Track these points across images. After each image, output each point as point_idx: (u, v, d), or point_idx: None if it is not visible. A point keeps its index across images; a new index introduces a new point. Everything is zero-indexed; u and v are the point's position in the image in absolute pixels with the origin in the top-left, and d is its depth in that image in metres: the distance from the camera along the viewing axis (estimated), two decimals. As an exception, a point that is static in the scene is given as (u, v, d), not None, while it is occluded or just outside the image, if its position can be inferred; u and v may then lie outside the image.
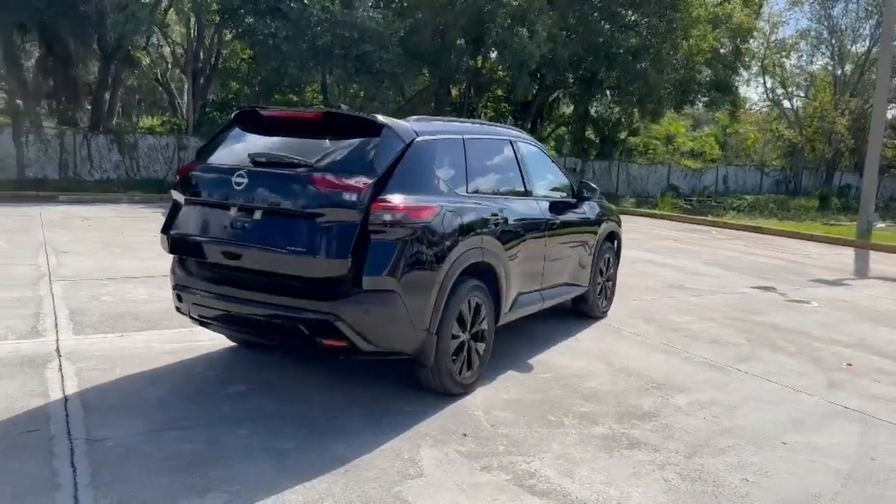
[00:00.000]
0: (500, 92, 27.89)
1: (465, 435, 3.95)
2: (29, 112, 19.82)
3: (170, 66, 26.40)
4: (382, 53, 18.73)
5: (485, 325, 4.73)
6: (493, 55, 23.13)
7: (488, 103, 28.60)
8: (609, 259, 6.94)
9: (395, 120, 4.32)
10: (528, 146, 5.74)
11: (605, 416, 4.35)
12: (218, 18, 21.07)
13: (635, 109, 26.45)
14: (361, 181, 3.87)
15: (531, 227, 5.30)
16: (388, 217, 3.90)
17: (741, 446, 4.03)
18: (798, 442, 4.14)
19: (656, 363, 5.54)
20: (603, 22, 24.46)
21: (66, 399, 4.11)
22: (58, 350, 4.99)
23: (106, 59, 21.31)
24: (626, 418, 4.35)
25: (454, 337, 4.40)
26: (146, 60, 23.78)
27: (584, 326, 6.52)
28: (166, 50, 26.05)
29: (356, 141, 4.11)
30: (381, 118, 4.21)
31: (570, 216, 5.99)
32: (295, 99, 25.19)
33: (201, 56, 23.47)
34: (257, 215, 4.02)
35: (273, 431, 3.84)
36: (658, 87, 24.08)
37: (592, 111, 30.48)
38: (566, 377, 5.06)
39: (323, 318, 3.86)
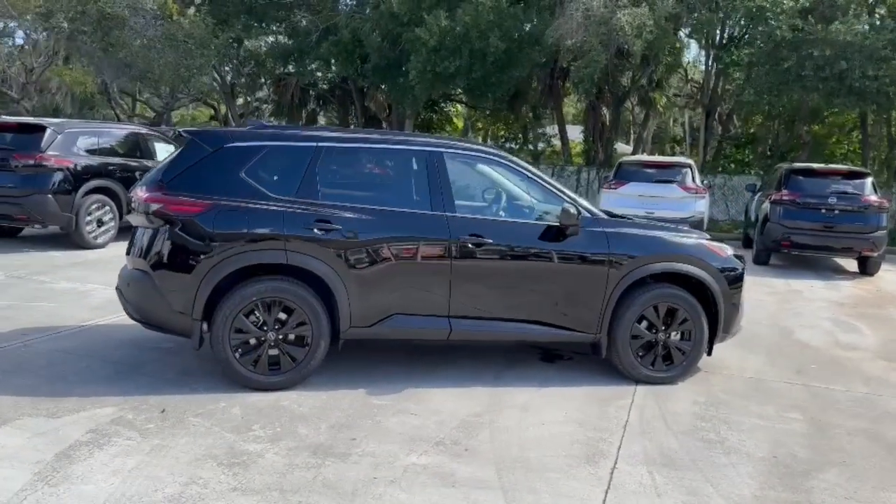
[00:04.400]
0: None
1: (163, 411, 4.38)
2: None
3: (684, 104, 26.86)
4: (870, 68, 15.57)
5: (306, 331, 4.78)
6: None
7: None
8: (675, 311, 5.30)
9: (209, 129, 5.00)
10: (468, 163, 5.23)
11: (309, 440, 4.05)
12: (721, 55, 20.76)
13: None
14: (149, 188, 4.75)
15: (416, 243, 4.90)
16: (153, 208, 4.67)
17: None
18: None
19: (516, 434, 4.36)
20: None
21: (79, 326, 6.08)
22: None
23: (618, 102, 23.33)
24: (314, 450, 3.94)
25: (240, 331, 4.70)
26: (662, 101, 24.82)
27: (582, 382, 5.29)
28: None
29: (178, 152, 4.93)
30: (195, 130, 4.93)
31: (531, 242, 5.07)
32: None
33: (717, 91, 23.31)
34: None
35: (93, 373, 4.97)
36: None
37: None
38: (381, 408, 4.60)
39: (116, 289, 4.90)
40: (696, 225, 11.87)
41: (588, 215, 5.24)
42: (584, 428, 4.47)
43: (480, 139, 37.44)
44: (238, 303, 4.68)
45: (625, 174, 12.62)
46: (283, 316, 4.79)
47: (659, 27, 17.14)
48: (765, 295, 9.34)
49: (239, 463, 3.74)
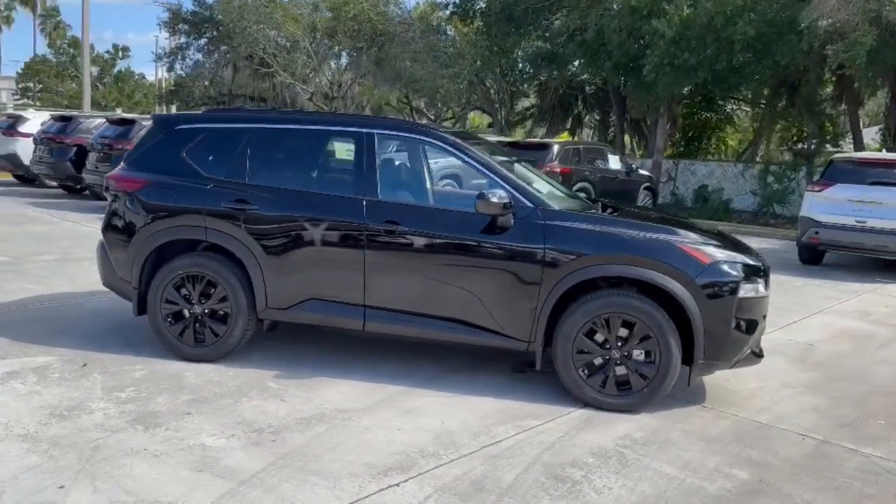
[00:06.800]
0: None
1: (84, 365, 4.83)
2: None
3: None
4: None
5: (228, 308, 4.89)
6: None
7: None
8: (635, 325, 4.32)
9: (167, 114, 5.30)
10: (402, 145, 4.83)
11: (150, 408, 4.17)
12: None
13: None
14: (116, 167, 5.29)
15: (327, 227, 4.71)
16: (111, 184, 5.19)
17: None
18: None
19: (352, 434, 3.93)
20: None
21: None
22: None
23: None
24: (136, 417, 4.06)
25: (169, 302, 4.98)
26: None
27: (519, 397, 4.57)
28: None
29: (142, 134, 5.38)
30: (157, 114, 5.30)
31: (454, 232, 4.54)
32: None
33: None
34: None
35: (87, 328, 5.63)
36: None
37: None
38: (264, 389, 4.51)
39: (99, 255, 5.53)
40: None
41: (528, 205, 4.51)
42: (434, 441, 3.89)
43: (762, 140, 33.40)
44: (167, 274, 4.96)
45: (835, 174, 10.34)
46: (212, 291, 4.97)
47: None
48: (962, 331, 7.04)
49: (63, 416, 3.98)
